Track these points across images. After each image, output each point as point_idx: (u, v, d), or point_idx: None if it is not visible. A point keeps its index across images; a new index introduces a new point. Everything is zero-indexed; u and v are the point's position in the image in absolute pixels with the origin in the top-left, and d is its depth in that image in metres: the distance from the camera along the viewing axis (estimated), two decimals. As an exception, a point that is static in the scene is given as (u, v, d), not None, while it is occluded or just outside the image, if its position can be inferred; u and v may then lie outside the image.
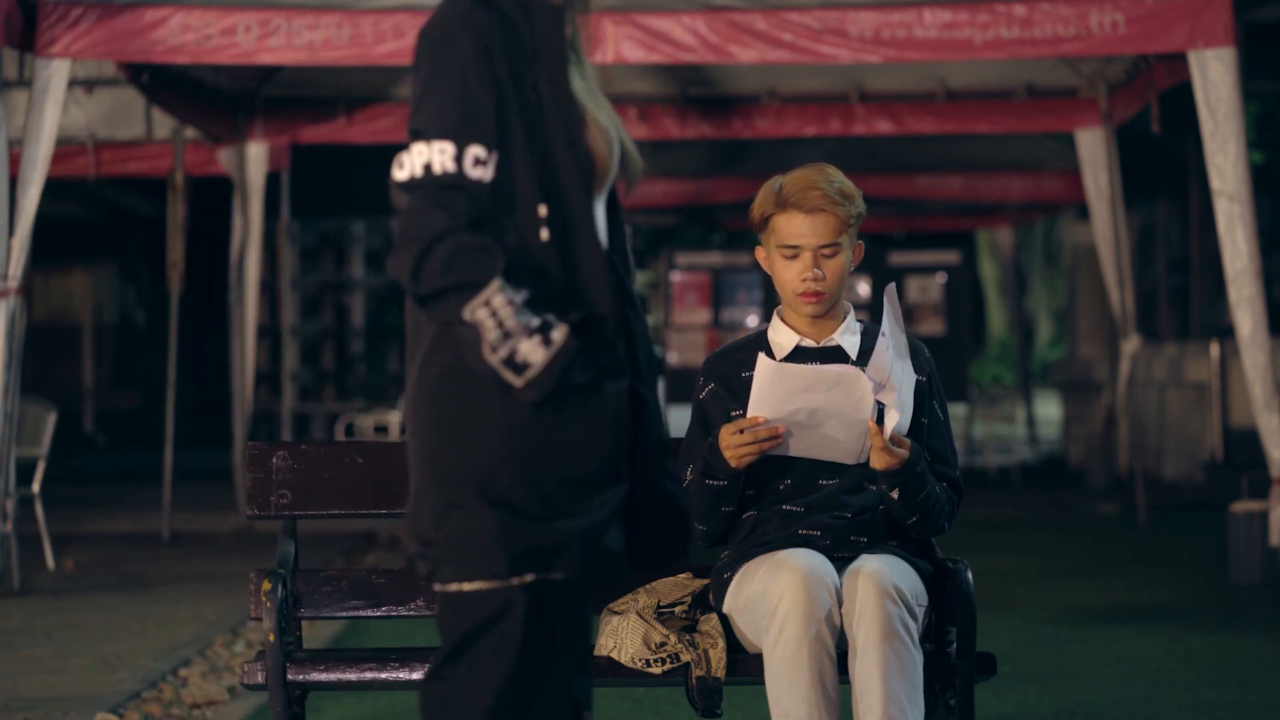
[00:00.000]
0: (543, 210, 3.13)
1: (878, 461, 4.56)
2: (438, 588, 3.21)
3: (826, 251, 4.67)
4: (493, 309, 3.05)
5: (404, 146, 3.10)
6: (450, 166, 3.04)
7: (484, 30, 3.05)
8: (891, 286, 4.58)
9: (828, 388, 4.49)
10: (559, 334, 3.07)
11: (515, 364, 3.06)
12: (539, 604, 3.15)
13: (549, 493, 3.12)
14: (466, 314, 3.05)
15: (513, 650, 3.14)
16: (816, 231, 4.65)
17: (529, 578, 3.13)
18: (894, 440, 4.55)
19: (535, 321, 3.07)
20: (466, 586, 3.15)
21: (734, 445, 4.55)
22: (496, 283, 3.04)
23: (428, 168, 3.05)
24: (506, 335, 3.05)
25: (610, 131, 3.20)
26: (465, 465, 3.14)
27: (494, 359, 3.07)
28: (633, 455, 3.23)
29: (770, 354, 4.74)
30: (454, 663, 3.18)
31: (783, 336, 4.77)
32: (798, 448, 4.58)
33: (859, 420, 4.52)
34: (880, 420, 4.55)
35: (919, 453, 4.62)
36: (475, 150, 3.05)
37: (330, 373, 23.35)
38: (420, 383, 3.18)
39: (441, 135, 3.04)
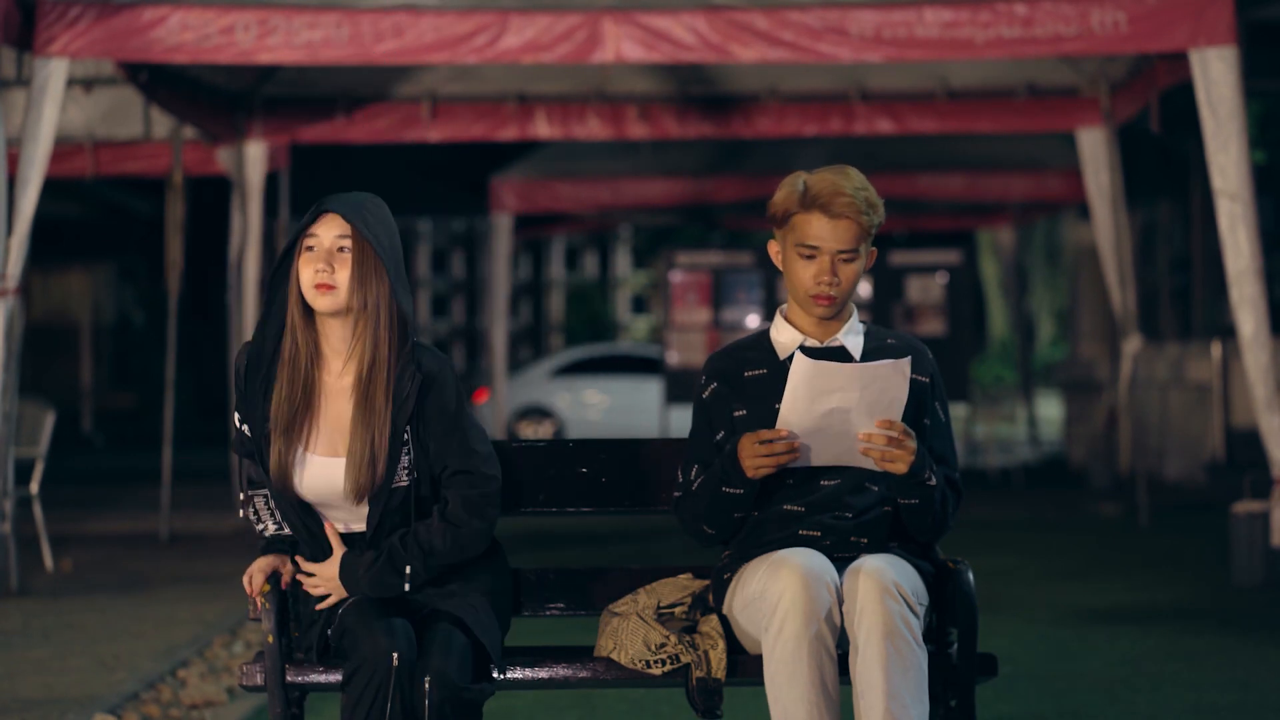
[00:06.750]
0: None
1: (902, 465, 4.51)
2: None
3: (844, 257, 4.64)
4: (255, 507, 4.79)
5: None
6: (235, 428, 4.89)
7: (239, 369, 4.72)
8: (906, 361, 4.52)
9: (864, 384, 4.46)
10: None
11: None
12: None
13: None
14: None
15: None
16: (838, 236, 4.63)
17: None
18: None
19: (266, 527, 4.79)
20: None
21: (753, 455, 4.52)
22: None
23: None
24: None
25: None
26: None
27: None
28: None
29: (774, 353, 4.73)
30: None
31: (786, 335, 4.74)
32: (824, 457, 4.54)
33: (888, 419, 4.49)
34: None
35: (924, 452, 4.59)
36: (235, 418, 4.74)
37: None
38: None
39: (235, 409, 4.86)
